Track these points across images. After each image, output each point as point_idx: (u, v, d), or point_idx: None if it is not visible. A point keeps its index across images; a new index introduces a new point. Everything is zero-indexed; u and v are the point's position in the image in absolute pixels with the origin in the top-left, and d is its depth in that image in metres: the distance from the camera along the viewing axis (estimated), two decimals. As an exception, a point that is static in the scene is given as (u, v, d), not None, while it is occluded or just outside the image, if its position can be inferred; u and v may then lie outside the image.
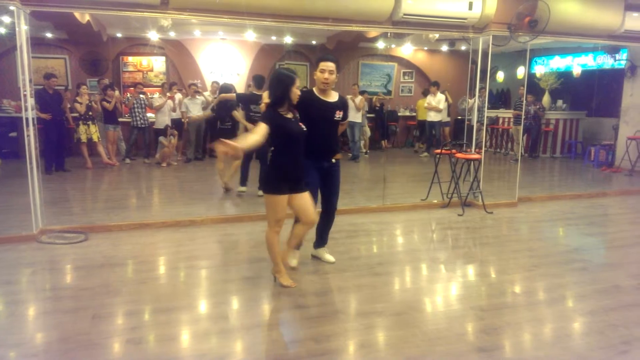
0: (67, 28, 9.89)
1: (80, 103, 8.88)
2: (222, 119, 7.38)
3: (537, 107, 11.25)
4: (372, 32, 9.72)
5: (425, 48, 13.01)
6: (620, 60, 10.34)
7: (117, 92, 9.65)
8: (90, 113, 9.04)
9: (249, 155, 6.97)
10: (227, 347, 2.91)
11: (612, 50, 10.49)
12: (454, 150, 6.79)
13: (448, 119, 11.68)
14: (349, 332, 3.10)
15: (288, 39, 11.11)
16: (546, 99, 11.79)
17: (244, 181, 7.02)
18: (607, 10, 6.58)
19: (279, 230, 3.64)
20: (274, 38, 11.24)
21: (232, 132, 7.29)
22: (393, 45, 12.81)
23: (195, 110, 10.20)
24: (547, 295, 3.76)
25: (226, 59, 11.89)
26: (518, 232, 5.66)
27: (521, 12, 6.17)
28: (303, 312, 3.40)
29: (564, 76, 12.04)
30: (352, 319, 3.30)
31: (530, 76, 12.21)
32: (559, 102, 12.06)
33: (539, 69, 13.15)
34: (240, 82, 11.86)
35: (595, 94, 12.18)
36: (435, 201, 6.69)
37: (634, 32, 6.86)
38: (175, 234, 5.18)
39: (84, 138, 8.99)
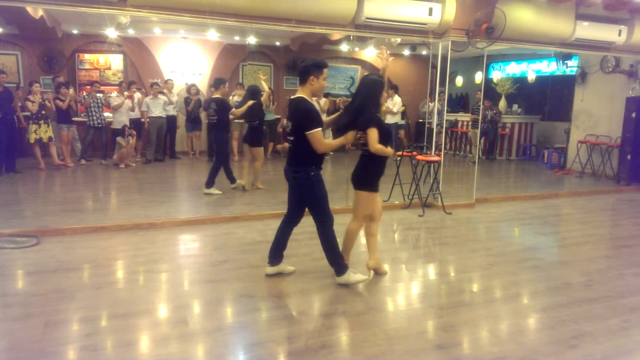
0: (19, 23, 9.44)
1: (33, 102, 8.52)
2: (251, 119, 7.22)
3: (494, 111, 11.63)
4: (336, 34, 9.78)
5: (388, 52, 13.19)
6: (572, 67, 10.84)
7: (71, 91, 9.31)
8: (43, 112, 8.69)
9: (226, 159, 7.15)
10: (187, 351, 2.86)
11: (564, 57, 10.99)
12: (414, 153, 6.93)
13: (403, 122, 11.87)
14: (310, 333, 3.10)
15: (252, 39, 11.04)
16: (502, 103, 12.21)
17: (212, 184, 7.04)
18: (560, 19, 6.88)
19: (363, 224, 4.08)
20: (237, 38, 11.14)
21: (260, 129, 7.32)
22: (357, 49, 12.94)
23: (157, 110, 9.97)
24: (502, 293, 3.89)
25: (188, 58, 11.68)
26: (475, 232, 5.83)
27: (479, 19, 6.37)
28: (264, 314, 3.39)
29: (520, 81, 12.51)
30: (313, 320, 3.31)
31: (488, 81, 12.61)
32: (515, 107, 12.51)
33: (496, 75, 13.60)
34: (202, 82, 11.69)
35: (548, 99, 12.71)
36: (397, 202, 6.80)
37: (584, 40, 7.19)
38: (133, 237, 5.05)
39: (32, 139, 8.63)
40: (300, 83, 3.70)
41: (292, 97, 3.79)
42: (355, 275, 3.88)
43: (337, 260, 3.84)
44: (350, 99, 4.03)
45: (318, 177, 3.73)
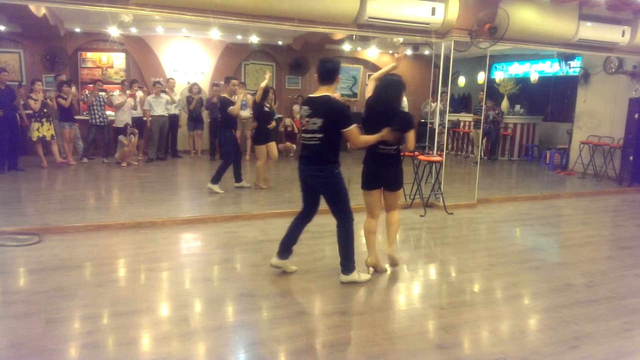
0: (22, 21, 9.47)
1: (35, 100, 8.54)
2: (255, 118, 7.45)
3: (496, 112, 11.61)
4: (338, 34, 9.78)
5: (390, 52, 13.19)
6: (575, 68, 10.81)
7: (73, 89, 9.33)
8: (45, 110, 8.70)
9: (234, 157, 7.20)
10: (188, 350, 2.86)
11: (567, 58, 10.97)
12: (416, 153, 6.92)
13: None
14: (311, 332, 3.10)
15: (254, 39, 11.04)
16: (505, 104, 12.18)
17: (218, 180, 7.08)
18: (563, 19, 6.87)
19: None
20: (239, 37, 11.14)
21: (261, 128, 7.43)
22: (359, 48, 12.94)
23: (159, 109, 9.98)
24: (503, 294, 3.89)
25: (190, 57, 11.69)
26: (477, 233, 5.82)
27: (482, 18, 6.35)
28: (266, 313, 3.39)
29: (522, 82, 12.48)
30: (315, 320, 3.31)
31: (490, 81, 12.60)
32: (517, 107, 12.48)
33: (499, 75, 13.57)
34: (204, 81, 11.69)
35: (551, 100, 12.69)
36: (399, 202, 6.77)
37: (587, 40, 7.17)
38: (135, 236, 5.05)
39: (34, 137, 8.65)
40: (327, 82, 3.72)
41: (314, 95, 3.75)
42: (362, 274, 3.95)
43: (350, 258, 3.88)
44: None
45: (341, 173, 3.78)
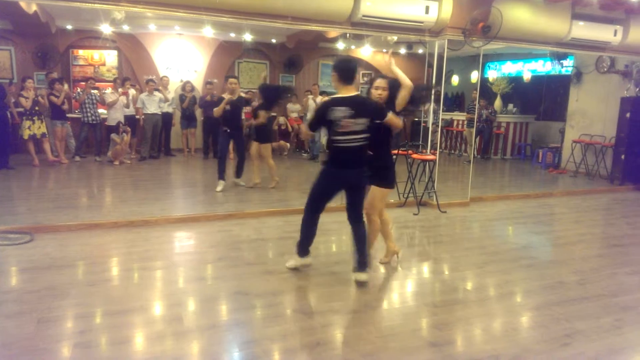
0: (13, 18, 9.38)
1: (26, 98, 8.46)
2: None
3: (489, 111, 11.66)
4: (332, 32, 9.79)
5: (384, 50, 13.19)
6: (567, 67, 10.88)
7: (66, 86, 9.25)
8: (37, 108, 8.63)
9: (225, 153, 7.29)
10: (181, 349, 2.85)
11: (560, 57, 11.04)
12: (410, 151, 6.93)
13: None
14: (305, 330, 3.10)
15: (247, 36, 11.00)
16: (498, 102, 12.23)
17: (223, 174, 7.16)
18: (556, 18, 6.90)
19: None
20: (232, 35, 11.10)
21: (268, 128, 7.60)
22: (352, 47, 12.93)
23: (152, 107, 9.92)
24: (496, 291, 3.91)
25: (183, 55, 11.63)
26: (470, 231, 5.84)
27: (475, 17, 6.37)
28: (259, 311, 3.38)
29: (515, 81, 12.54)
30: (308, 318, 3.31)
31: (483, 80, 12.64)
32: (510, 106, 12.54)
33: (492, 74, 13.62)
34: (197, 79, 11.64)
35: (543, 99, 12.76)
36: (392, 201, 6.80)
37: (579, 40, 7.22)
38: (127, 235, 5.03)
39: (25, 135, 8.58)
40: (350, 81, 3.74)
41: (346, 95, 3.69)
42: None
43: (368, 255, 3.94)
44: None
45: None
